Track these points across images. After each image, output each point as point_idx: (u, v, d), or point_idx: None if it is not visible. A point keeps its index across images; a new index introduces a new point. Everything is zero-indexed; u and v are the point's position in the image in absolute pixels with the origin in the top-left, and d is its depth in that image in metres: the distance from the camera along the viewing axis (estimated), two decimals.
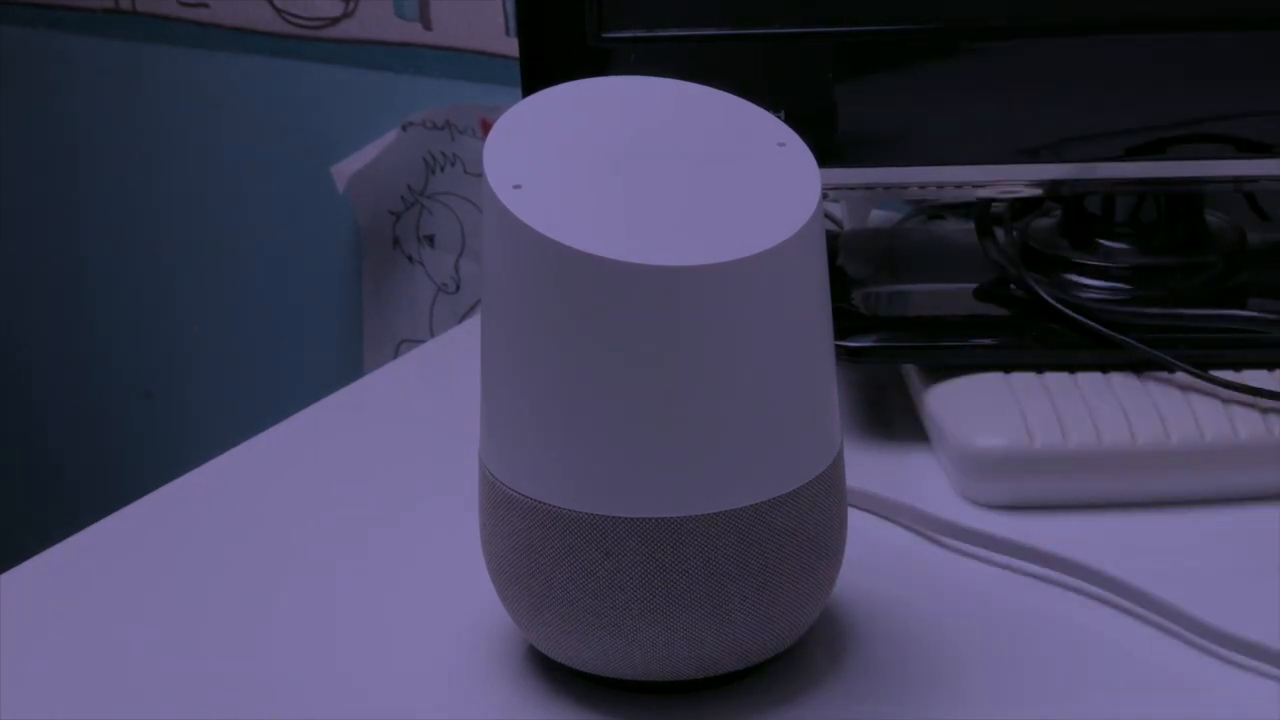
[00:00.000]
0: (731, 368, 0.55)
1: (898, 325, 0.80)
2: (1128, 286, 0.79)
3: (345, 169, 1.19)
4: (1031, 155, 0.78)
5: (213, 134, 1.29)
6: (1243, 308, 0.77)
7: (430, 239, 1.20)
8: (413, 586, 0.67)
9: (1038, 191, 0.80)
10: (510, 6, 1.13)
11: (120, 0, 1.29)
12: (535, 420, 0.56)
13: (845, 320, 0.78)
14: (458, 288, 1.20)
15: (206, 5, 1.25)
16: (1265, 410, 0.72)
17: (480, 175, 0.64)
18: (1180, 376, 0.74)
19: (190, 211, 1.32)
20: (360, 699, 0.61)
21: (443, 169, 1.18)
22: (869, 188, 0.81)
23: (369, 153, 1.19)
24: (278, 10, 1.22)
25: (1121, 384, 0.74)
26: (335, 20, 1.20)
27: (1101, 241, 0.80)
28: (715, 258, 0.54)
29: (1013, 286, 0.80)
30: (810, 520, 0.58)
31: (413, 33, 1.18)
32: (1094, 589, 0.65)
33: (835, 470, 0.59)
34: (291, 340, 1.31)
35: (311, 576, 0.69)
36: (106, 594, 0.68)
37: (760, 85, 0.77)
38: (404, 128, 1.17)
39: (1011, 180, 0.79)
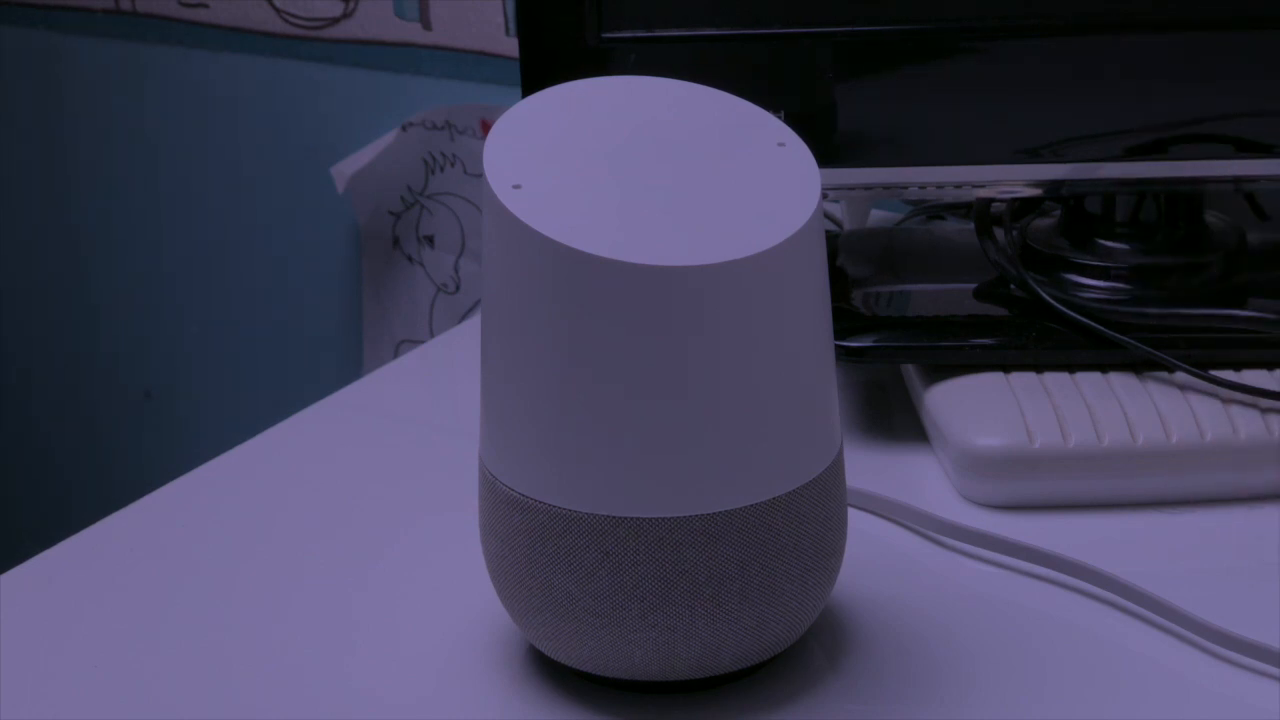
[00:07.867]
0: (731, 368, 0.55)
1: (898, 325, 0.80)
2: (1128, 286, 0.79)
3: (345, 169, 1.19)
4: (1031, 155, 0.78)
5: (212, 134, 1.29)
6: (1243, 308, 0.77)
7: (430, 239, 1.20)
8: (412, 586, 0.67)
9: (1038, 191, 0.80)
10: (510, 6, 1.13)
11: (120, 0, 1.29)
12: (535, 420, 0.56)
13: (845, 320, 0.78)
14: (458, 288, 1.20)
15: (206, 5, 1.25)
16: (1265, 410, 0.72)
17: (480, 175, 0.64)
18: (1180, 376, 0.74)
19: (190, 211, 1.32)
20: (359, 698, 0.61)
21: (442, 169, 1.18)
22: (869, 188, 0.81)
23: (369, 153, 1.19)
24: (278, 10, 1.22)
25: (1121, 384, 0.74)
26: (335, 20, 1.20)
27: (1101, 241, 0.80)
28: (715, 258, 0.54)
29: (1013, 286, 0.80)
30: (810, 520, 0.58)
31: (412, 33, 1.18)
32: (1094, 589, 0.65)
33: (835, 470, 0.59)
34: (291, 340, 1.31)
35: (311, 577, 0.69)
36: (106, 594, 0.68)
37: (760, 85, 0.77)
38: (404, 128, 1.17)
39: (1011, 180, 0.79)
